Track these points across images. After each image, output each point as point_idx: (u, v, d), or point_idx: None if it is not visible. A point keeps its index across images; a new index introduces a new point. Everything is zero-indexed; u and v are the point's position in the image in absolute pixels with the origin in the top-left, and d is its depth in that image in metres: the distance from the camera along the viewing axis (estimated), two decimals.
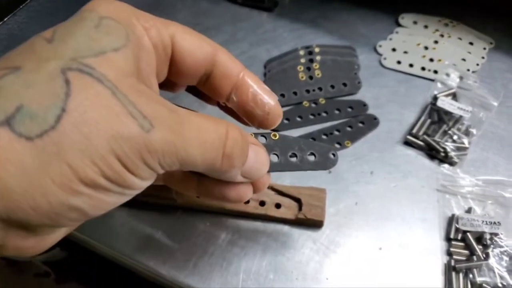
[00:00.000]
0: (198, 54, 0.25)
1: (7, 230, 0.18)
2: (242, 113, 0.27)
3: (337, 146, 0.41)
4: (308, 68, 0.46)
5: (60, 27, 0.21)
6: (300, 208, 0.36)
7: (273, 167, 0.28)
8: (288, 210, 0.36)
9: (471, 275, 0.33)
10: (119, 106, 0.19)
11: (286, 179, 0.39)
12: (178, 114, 0.21)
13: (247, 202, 0.36)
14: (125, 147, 0.19)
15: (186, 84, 0.27)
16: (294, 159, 0.29)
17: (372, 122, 0.43)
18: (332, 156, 0.29)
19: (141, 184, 0.21)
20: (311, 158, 0.29)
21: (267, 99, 0.26)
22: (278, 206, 0.36)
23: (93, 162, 0.18)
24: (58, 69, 0.18)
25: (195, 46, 0.25)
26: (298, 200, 0.36)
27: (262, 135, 0.28)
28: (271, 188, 0.37)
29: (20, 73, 0.18)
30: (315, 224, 0.36)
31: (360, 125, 0.43)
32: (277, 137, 0.29)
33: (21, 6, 0.44)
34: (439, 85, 0.45)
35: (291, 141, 0.29)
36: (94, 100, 0.18)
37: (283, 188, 0.37)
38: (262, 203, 0.36)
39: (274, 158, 0.28)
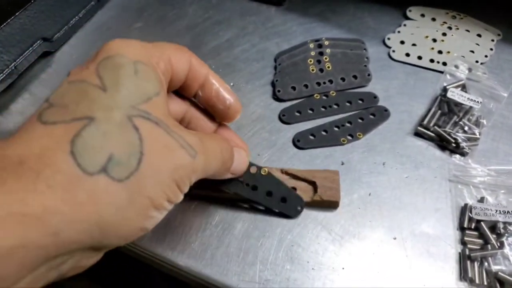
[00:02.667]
0: (184, 67, 0.28)
1: (83, 253, 0.22)
2: (206, 107, 0.31)
3: (349, 137, 0.42)
4: (318, 61, 0.47)
5: (104, 73, 0.23)
6: (315, 191, 0.37)
7: (249, 195, 0.35)
8: (304, 193, 0.37)
9: (486, 264, 0.33)
10: (174, 142, 0.23)
11: (300, 166, 0.39)
12: (200, 137, 0.26)
13: (255, 189, 0.36)
14: (181, 174, 0.24)
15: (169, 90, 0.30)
16: (268, 197, 0.36)
17: (383, 114, 0.43)
18: (299, 208, 0.36)
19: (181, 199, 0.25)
20: (282, 201, 0.36)
21: (227, 95, 0.31)
22: (294, 189, 0.37)
23: (163, 191, 0.23)
24: (125, 117, 0.22)
25: (183, 61, 0.28)
26: (313, 183, 0.37)
27: (256, 165, 0.35)
28: (285, 172, 0.38)
29: (96, 124, 0.21)
30: (331, 205, 0.37)
31: (371, 117, 0.43)
32: (266, 173, 0.36)
33: (32, 1, 0.44)
34: (448, 76, 0.45)
35: (274, 182, 0.36)
36: (158, 141, 0.23)
37: (297, 172, 0.37)
38: (269, 193, 0.36)
39: (254, 189, 0.35)
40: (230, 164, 0.31)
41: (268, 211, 0.37)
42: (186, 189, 0.25)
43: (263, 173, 0.36)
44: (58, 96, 0.23)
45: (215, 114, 0.32)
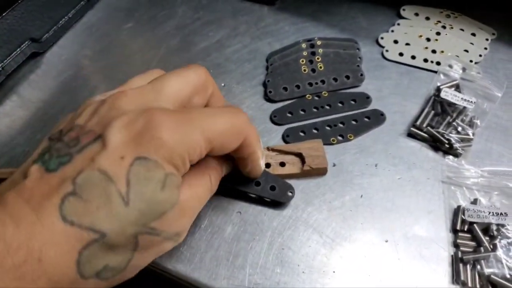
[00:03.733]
0: (232, 147, 0.29)
1: None
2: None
3: (340, 138, 0.41)
4: (311, 61, 0.46)
5: (134, 182, 0.24)
6: (303, 161, 0.38)
7: (239, 186, 0.36)
8: (293, 166, 0.38)
9: (478, 267, 0.33)
10: (165, 240, 0.26)
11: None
12: (188, 208, 0.28)
13: (244, 180, 0.36)
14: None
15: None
16: (258, 187, 0.36)
17: (378, 118, 0.42)
18: (289, 194, 0.36)
19: None
20: (271, 189, 0.36)
21: (256, 172, 0.34)
22: (282, 164, 0.38)
23: None
24: (132, 235, 0.24)
25: (232, 145, 0.29)
26: (299, 155, 0.38)
27: None
28: (272, 149, 0.39)
29: (105, 242, 0.23)
30: (320, 173, 0.38)
31: (366, 119, 0.42)
32: None
33: (19, 1, 0.44)
34: (442, 76, 0.45)
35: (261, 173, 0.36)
36: (150, 245, 0.26)
37: (282, 147, 0.39)
38: (267, 165, 0.38)
39: (243, 181, 0.36)
40: (215, 186, 0.32)
41: (261, 202, 0.37)
42: None
43: None
44: (85, 185, 0.23)
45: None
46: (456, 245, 0.35)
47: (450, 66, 0.45)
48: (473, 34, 0.49)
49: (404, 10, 0.52)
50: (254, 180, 0.36)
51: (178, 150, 0.25)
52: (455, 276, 0.33)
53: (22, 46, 0.46)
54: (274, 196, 0.36)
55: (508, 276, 0.32)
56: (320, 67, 0.46)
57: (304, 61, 0.46)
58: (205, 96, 0.31)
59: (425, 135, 0.41)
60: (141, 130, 0.24)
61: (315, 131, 0.42)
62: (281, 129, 0.42)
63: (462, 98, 0.41)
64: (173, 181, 0.25)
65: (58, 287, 0.22)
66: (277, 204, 0.37)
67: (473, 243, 0.34)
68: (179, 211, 0.27)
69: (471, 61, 0.47)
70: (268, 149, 0.38)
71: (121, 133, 0.24)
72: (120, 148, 0.24)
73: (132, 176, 0.24)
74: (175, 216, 0.26)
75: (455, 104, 0.41)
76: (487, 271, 0.33)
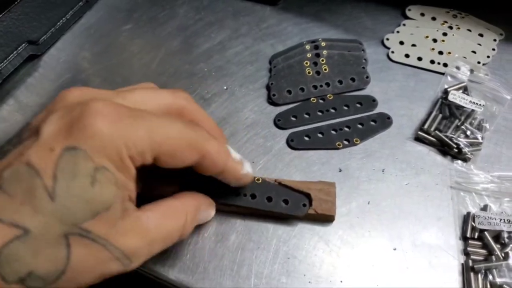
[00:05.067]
0: (187, 163, 0.27)
1: None
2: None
3: (345, 142, 0.40)
4: (315, 63, 0.45)
5: (61, 175, 0.22)
6: (310, 204, 0.35)
7: (251, 204, 0.34)
8: None
9: (490, 276, 0.32)
10: (108, 255, 0.23)
11: (296, 177, 0.38)
12: (148, 234, 0.26)
13: (254, 197, 0.34)
14: (107, 276, 0.24)
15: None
16: (270, 202, 0.34)
17: (385, 122, 0.41)
18: (304, 204, 0.34)
19: None
20: (285, 203, 0.34)
21: (246, 178, 0.32)
22: (286, 202, 0.35)
23: None
24: (61, 235, 0.22)
25: (186, 157, 0.27)
26: (307, 195, 0.35)
27: None
28: (279, 183, 0.35)
29: (29, 240, 0.21)
30: (326, 219, 0.35)
31: (372, 123, 0.41)
32: (260, 181, 0.35)
33: (15, 2, 0.43)
34: (449, 78, 0.44)
35: (270, 187, 0.35)
36: (89, 256, 0.23)
37: (291, 183, 0.35)
38: (269, 199, 0.35)
39: (253, 198, 0.34)
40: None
41: (273, 218, 0.36)
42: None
43: (257, 181, 0.35)
44: (9, 179, 0.22)
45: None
46: (466, 253, 0.34)
47: (458, 68, 0.44)
48: (481, 35, 0.48)
49: (409, 10, 0.51)
50: (266, 195, 0.34)
51: (115, 142, 0.23)
52: (466, 286, 0.32)
53: (19, 48, 0.45)
54: (288, 210, 0.34)
55: None
56: (325, 69, 0.44)
57: (308, 63, 0.45)
58: None
59: (433, 139, 0.40)
60: (74, 119, 0.23)
61: (320, 135, 0.41)
62: (285, 133, 0.41)
63: (470, 101, 0.40)
64: (106, 177, 0.23)
65: None
66: (292, 216, 0.35)
67: (484, 251, 0.34)
68: (132, 225, 0.25)
69: (478, 62, 0.45)
70: (275, 182, 0.35)
71: (54, 125, 0.23)
72: (50, 139, 0.22)
73: (60, 169, 0.22)
74: (119, 223, 0.24)
75: (463, 107, 0.41)
76: (499, 280, 0.32)
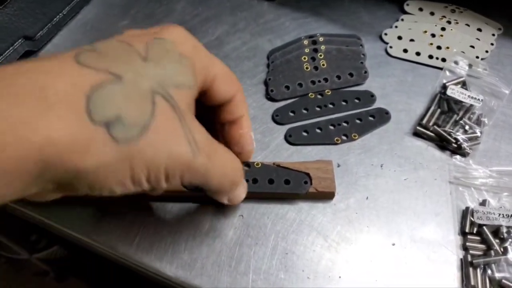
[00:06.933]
0: (226, 96, 0.29)
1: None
2: (223, 136, 0.32)
3: (344, 138, 0.40)
4: (313, 58, 0.45)
5: (153, 48, 0.25)
6: (310, 182, 0.35)
7: (254, 189, 0.34)
8: None
9: (489, 271, 0.32)
10: (181, 132, 0.24)
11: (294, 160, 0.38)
12: (213, 144, 0.27)
13: (256, 181, 0.35)
14: (174, 164, 0.24)
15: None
16: (272, 184, 0.35)
17: (383, 117, 0.41)
18: (304, 183, 0.35)
19: (164, 188, 0.25)
20: (286, 183, 0.35)
21: (247, 145, 0.32)
22: (287, 182, 0.35)
23: (148, 170, 0.23)
24: (149, 90, 0.23)
25: (226, 90, 0.29)
26: (306, 175, 0.36)
27: (247, 164, 0.35)
28: (278, 165, 0.36)
29: (121, 84, 0.22)
30: (326, 197, 0.36)
31: (371, 118, 0.41)
32: (259, 165, 0.36)
33: None
34: (447, 73, 0.43)
35: (270, 169, 0.35)
36: (167, 124, 0.23)
37: (289, 164, 0.36)
38: (271, 181, 0.35)
39: (255, 182, 0.35)
40: (234, 188, 0.30)
41: (277, 199, 0.36)
42: (174, 182, 0.25)
43: (256, 166, 0.36)
44: (103, 45, 0.24)
45: (227, 146, 0.32)
46: (465, 248, 0.34)
47: (456, 63, 0.44)
48: (479, 30, 0.47)
49: (408, 5, 0.50)
50: (267, 178, 0.35)
51: (192, 44, 0.27)
52: (465, 281, 0.32)
53: (15, 44, 0.44)
54: (291, 189, 0.35)
55: None
56: (323, 65, 0.44)
57: (306, 59, 0.45)
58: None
59: (432, 134, 0.40)
60: (158, 30, 0.27)
61: (318, 130, 0.40)
62: (284, 128, 0.41)
63: (469, 96, 0.40)
64: (189, 63, 0.26)
65: (67, 125, 0.20)
66: (295, 196, 0.36)
67: (482, 246, 0.34)
68: (202, 130, 0.26)
69: (477, 57, 0.45)
70: (274, 165, 0.36)
71: (140, 32, 0.26)
72: (140, 35, 0.26)
73: (151, 44, 0.25)
74: (192, 116, 0.25)
75: (461, 102, 0.40)
76: (498, 275, 0.32)
